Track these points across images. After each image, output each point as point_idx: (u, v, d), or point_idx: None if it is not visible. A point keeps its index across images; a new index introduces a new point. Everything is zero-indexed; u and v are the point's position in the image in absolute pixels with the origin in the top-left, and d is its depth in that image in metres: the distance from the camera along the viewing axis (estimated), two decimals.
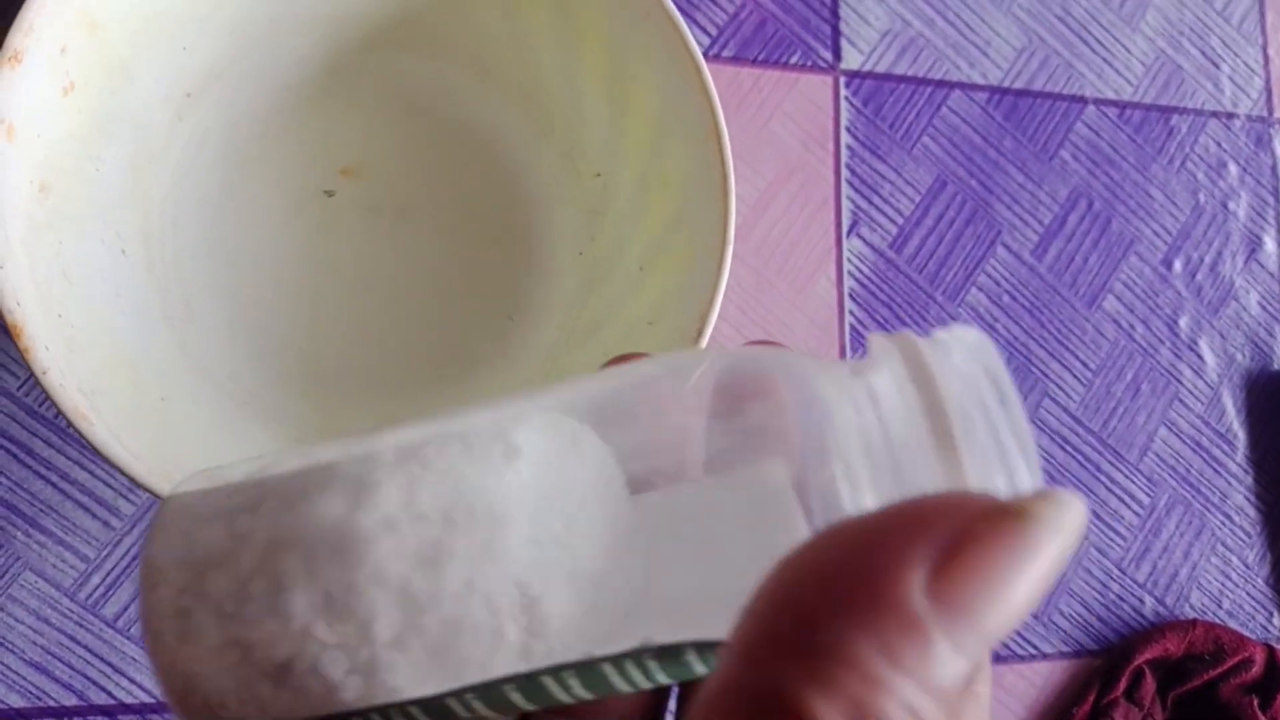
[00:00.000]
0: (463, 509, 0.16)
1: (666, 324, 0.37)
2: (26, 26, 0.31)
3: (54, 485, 0.40)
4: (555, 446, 0.17)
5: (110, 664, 0.40)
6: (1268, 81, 0.56)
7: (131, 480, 0.31)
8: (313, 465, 0.18)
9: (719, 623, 0.14)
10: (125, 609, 0.40)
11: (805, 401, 0.17)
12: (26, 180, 0.32)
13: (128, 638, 0.40)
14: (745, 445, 0.17)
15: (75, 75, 0.34)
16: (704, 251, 0.37)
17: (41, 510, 0.40)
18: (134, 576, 0.41)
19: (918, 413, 0.16)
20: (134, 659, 0.40)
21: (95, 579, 0.40)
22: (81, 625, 0.40)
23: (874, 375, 0.17)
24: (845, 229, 0.49)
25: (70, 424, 0.30)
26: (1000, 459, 0.16)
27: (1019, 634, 0.48)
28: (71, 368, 0.32)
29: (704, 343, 0.35)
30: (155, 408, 0.35)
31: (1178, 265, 0.53)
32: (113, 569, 0.40)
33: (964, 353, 0.16)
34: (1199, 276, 0.54)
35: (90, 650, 0.40)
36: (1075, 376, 0.51)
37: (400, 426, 0.18)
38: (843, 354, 0.49)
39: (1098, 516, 0.50)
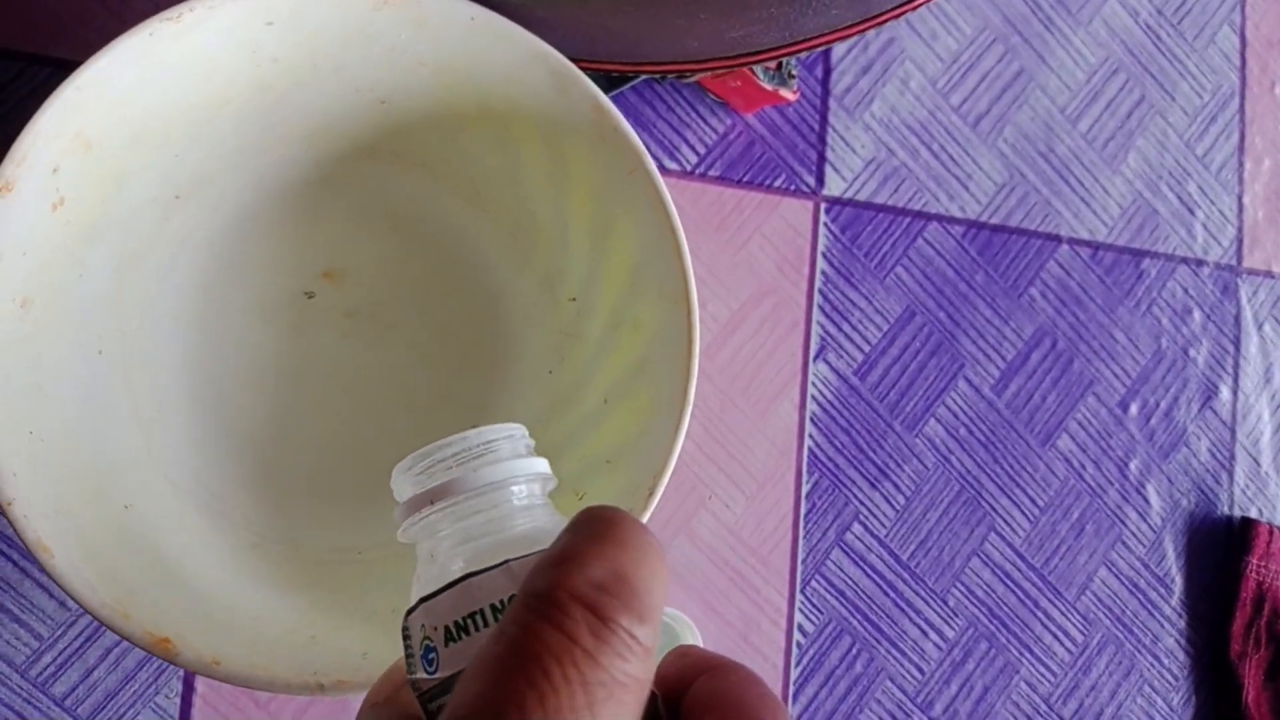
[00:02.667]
0: None
1: (623, 469, 0.38)
2: (20, 156, 0.32)
3: (14, 563, 0.41)
4: None
5: None
6: (1240, 230, 0.58)
7: (88, 612, 0.32)
8: None
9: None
10: (74, 689, 0.41)
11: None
12: (8, 300, 0.33)
13: (74, 717, 0.41)
14: None
15: (66, 191, 0.35)
16: (665, 406, 0.38)
17: None
18: (84, 657, 0.42)
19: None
20: None
21: (47, 658, 0.41)
22: (30, 702, 0.41)
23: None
24: (813, 354, 0.51)
25: (32, 554, 0.31)
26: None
27: None
28: (37, 489, 0.32)
29: (656, 498, 0.37)
30: (118, 517, 0.36)
31: (1134, 409, 0.55)
32: (65, 649, 0.41)
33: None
34: (1153, 421, 0.55)
35: None
36: (1023, 513, 0.53)
37: None
38: (798, 478, 0.50)
39: (1030, 651, 0.52)
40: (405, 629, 0.22)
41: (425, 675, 0.21)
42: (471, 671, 0.17)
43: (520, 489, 0.23)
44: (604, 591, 0.17)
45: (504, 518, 0.23)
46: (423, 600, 0.21)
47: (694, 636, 0.46)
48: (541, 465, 0.24)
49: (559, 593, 0.16)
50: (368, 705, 0.22)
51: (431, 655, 0.21)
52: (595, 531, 0.18)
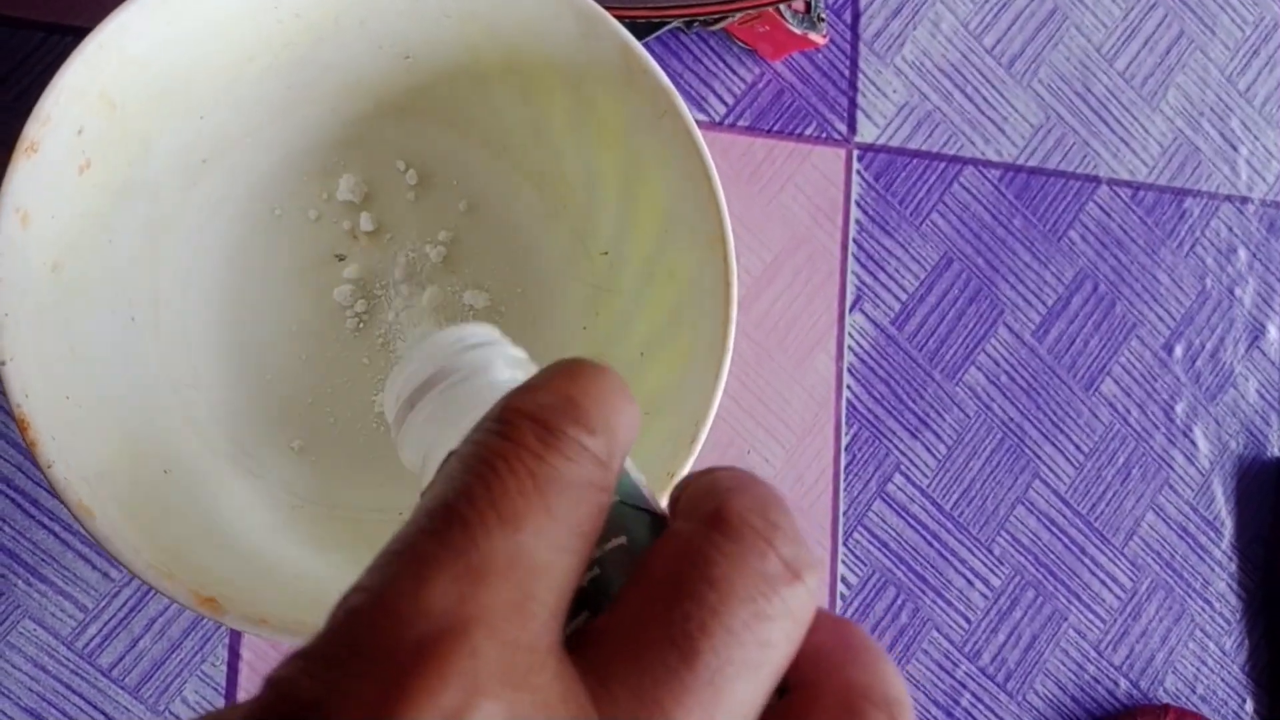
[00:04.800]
0: None
1: (663, 418, 0.38)
2: (44, 116, 0.32)
3: (56, 536, 0.41)
4: None
5: (104, 713, 0.41)
6: None
7: (132, 573, 0.31)
8: None
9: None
10: (120, 659, 0.41)
11: None
12: (39, 263, 0.33)
13: (122, 687, 0.41)
14: None
15: (92, 153, 0.34)
16: (703, 351, 0.37)
17: (43, 559, 0.41)
18: (129, 627, 0.42)
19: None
20: (127, 709, 0.41)
21: (92, 629, 0.41)
22: (77, 674, 0.41)
23: None
24: (848, 304, 0.50)
25: (74, 517, 0.31)
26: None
27: (994, 712, 0.49)
28: (76, 454, 0.32)
29: (699, 445, 0.36)
30: (157, 482, 0.36)
31: (1179, 351, 0.54)
32: (110, 620, 0.41)
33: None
34: (1199, 363, 0.54)
35: (85, 699, 0.41)
36: (1067, 459, 0.52)
37: None
38: (837, 430, 0.49)
39: (1079, 599, 0.51)
40: None
41: None
42: (428, 485, 0.17)
43: (501, 373, 0.23)
44: (550, 409, 0.17)
45: (486, 392, 0.22)
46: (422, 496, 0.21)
47: None
48: (519, 352, 0.24)
49: (506, 412, 0.17)
50: None
51: None
52: (552, 370, 0.18)
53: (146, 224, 0.38)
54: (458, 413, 0.22)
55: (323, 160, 0.42)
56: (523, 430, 0.16)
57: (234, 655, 0.42)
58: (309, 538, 0.39)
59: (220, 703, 0.42)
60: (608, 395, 0.18)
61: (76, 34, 0.44)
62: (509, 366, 0.23)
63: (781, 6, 0.45)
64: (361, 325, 0.42)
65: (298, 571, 0.36)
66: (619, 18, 0.40)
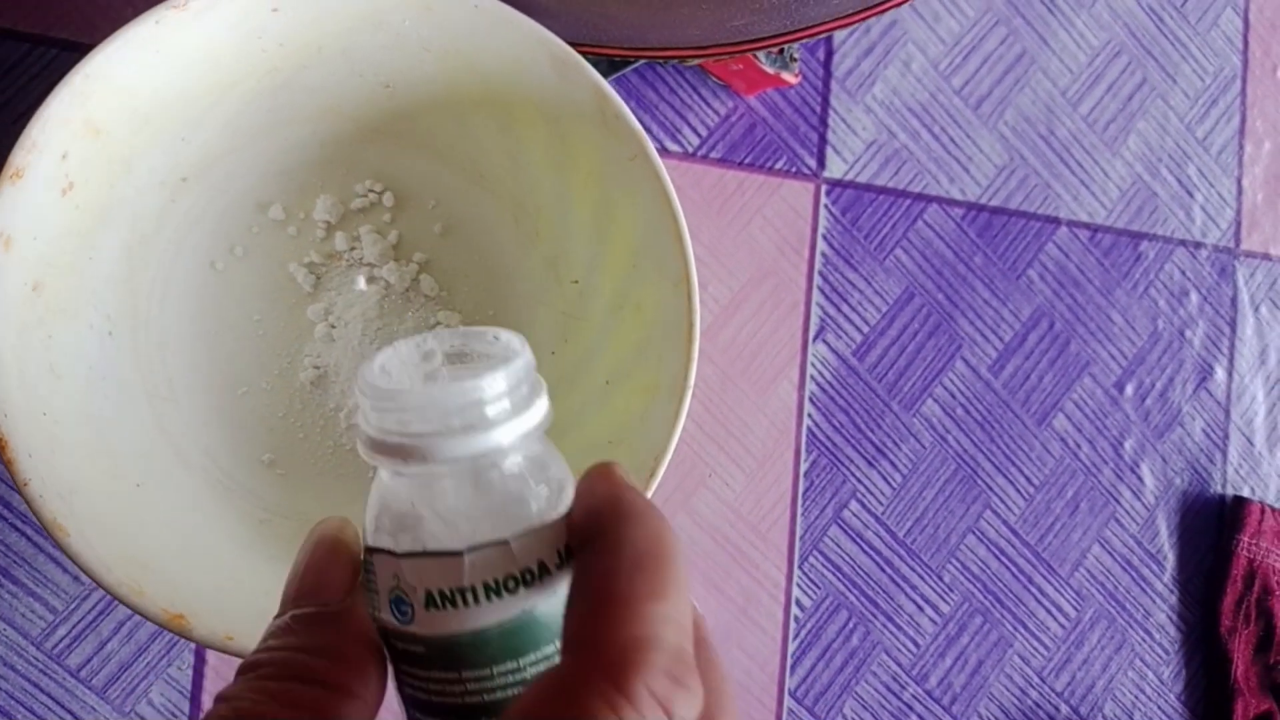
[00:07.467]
0: None
1: (624, 449, 0.39)
2: (30, 143, 0.33)
3: (28, 538, 0.42)
4: None
5: (71, 712, 0.42)
6: (1238, 213, 0.58)
7: (104, 589, 0.33)
8: None
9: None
10: (88, 660, 0.42)
11: None
12: (21, 284, 0.34)
13: (89, 688, 0.42)
14: None
15: (75, 176, 0.35)
16: (666, 386, 0.38)
17: (14, 561, 0.42)
18: (98, 630, 0.43)
19: None
20: (94, 709, 0.42)
21: (61, 630, 0.42)
22: (46, 674, 0.42)
23: None
24: (812, 334, 0.51)
25: (48, 534, 0.32)
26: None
27: None
28: (52, 470, 0.33)
29: (657, 480, 0.37)
30: (130, 495, 0.37)
31: (1129, 389, 0.55)
32: (79, 622, 0.42)
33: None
34: (1148, 401, 0.56)
35: (53, 698, 0.42)
36: (1018, 491, 0.53)
37: None
38: (797, 456, 0.51)
39: (1024, 626, 0.53)
40: (369, 563, 0.21)
41: (395, 621, 0.21)
42: None
43: (515, 458, 0.21)
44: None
45: (496, 487, 0.21)
46: (407, 555, 0.21)
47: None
48: (537, 415, 0.22)
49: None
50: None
51: (406, 609, 0.21)
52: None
53: (126, 241, 0.39)
54: (463, 500, 0.21)
55: (301, 180, 0.43)
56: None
57: (200, 660, 0.43)
58: (280, 553, 0.40)
59: (185, 705, 0.43)
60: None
61: (62, 46, 0.44)
62: (526, 439, 0.21)
63: None
64: (334, 342, 0.43)
65: (267, 588, 0.37)
66: (595, 53, 0.41)
